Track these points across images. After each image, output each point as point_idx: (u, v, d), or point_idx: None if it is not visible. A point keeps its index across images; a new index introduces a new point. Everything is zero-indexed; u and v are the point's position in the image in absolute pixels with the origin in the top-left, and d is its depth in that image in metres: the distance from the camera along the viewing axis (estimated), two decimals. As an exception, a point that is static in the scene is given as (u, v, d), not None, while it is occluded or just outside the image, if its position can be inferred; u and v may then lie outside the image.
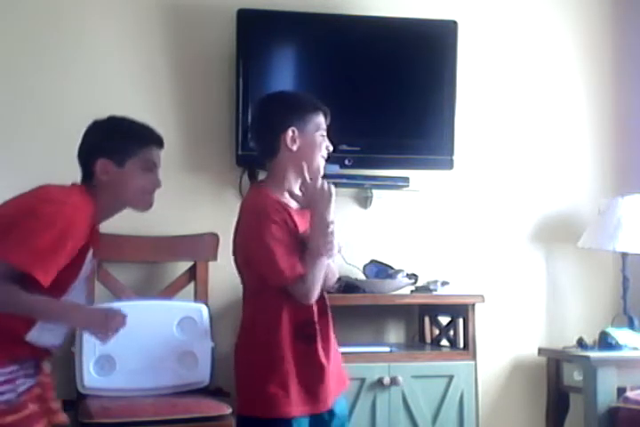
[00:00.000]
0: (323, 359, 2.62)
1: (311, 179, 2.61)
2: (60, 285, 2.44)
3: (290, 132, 2.62)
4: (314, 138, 2.67)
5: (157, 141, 2.66)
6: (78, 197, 2.49)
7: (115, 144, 2.58)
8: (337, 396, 2.66)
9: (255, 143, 2.76)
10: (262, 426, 2.58)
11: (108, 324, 2.43)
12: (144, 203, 2.64)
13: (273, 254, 2.56)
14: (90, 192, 2.54)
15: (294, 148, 2.63)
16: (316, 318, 2.65)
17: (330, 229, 2.64)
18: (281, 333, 2.59)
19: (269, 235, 2.56)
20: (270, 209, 2.57)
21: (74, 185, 2.59)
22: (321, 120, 2.70)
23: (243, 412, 2.66)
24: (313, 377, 2.60)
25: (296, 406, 2.56)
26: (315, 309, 2.65)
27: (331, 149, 2.73)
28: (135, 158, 2.58)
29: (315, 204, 2.64)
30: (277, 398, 2.55)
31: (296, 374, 2.57)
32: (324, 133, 2.71)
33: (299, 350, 2.60)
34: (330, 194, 2.65)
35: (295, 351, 2.59)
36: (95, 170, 2.56)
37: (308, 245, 2.60)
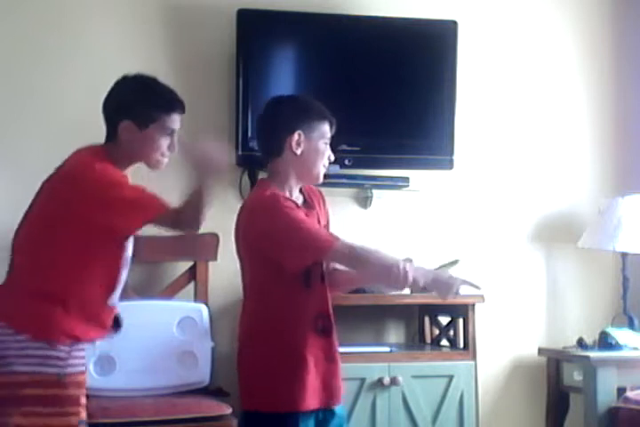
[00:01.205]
0: (337, 353, 2.65)
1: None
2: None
3: (296, 136, 2.65)
4: (317, 145, 2.71)
5: (180, 107, 2.77)
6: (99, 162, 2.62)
7: (139, 108, 2.69)
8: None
9: (259, 142, 2.80)
10: (274, 420, 2.56)
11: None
12: (158, 163, 2.76)
13: (306, 230, 2.58)
14: (108, 151, 2.68)
15: (298, 151, 2.66)
16: (331, 311, 2.68)
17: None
18: (297, 325, 2.60)
19: (292, 217, 2.58)
20: (282, 199, 2.62)
21: (95, 150, 2.69)
22: (326, 129, 2.75)
23: (251, 407, 2.62)
24: (328, 371, 2.62)
25: (311, 400, 2.56)
26: (330, 301, 2.68)
27: (332, 159, 2.77)
28: (157, 123, 2.69)
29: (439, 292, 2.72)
30: (293, 391, 2.54)
31: (312, 367, 2.57)
32: (328, 142, 2.75)
33: (315, 343, 2.61)
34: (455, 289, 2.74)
35: (311, 344, 2.60)
36: (120, 131, 2.67)
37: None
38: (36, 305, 2.57)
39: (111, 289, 2.68)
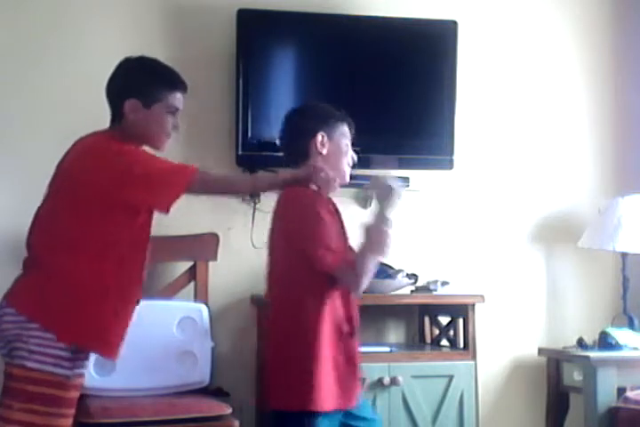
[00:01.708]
0: (358, 356, 2.71)
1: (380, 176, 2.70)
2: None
3: (319, 137, 2.80)
4: (340, 144, 2.85)
5: (183, 87, 2.81)
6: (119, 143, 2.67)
7: (144, 87, 2.73)
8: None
9: (285, 149, 2.92)
10: (299, 419, 2.62)
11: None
12: (161, 143, 2.80)
13: (325, 240, 2.67)
14: (117, 134, 2.71)
15: (324, 151, 2.81)
16: (356, 315, 2.74)
17: (388, 227, 2.72)
18: (323, 327, 2.64)
19: (322, 224, 2.68)
20: (319, 202, 2.74)
21: (104, 133, 2.73)
22: (346, 130, 2.89)
23: (280, 407, 2.70)
24: (349, 373, 2.68)
25: (333, 400, 2.61)
26: (356, 305, 2.74)
27: (355, 158, 2.91)
28: (162, 101, 2.73)
29: (381, 199, 2.79)
30: (315, 391, 2.59)
31: (335, 369, 2.63)
32: (349, 143, 2.89)
33: (339, 345, 2.66)
34: (398, 193, 2.78)
35: (335, 346, 2.65)
36: (124, 110, 2.71)
37: (363, 238, 2.69)
38: (71, 304, 2.58)
39: (142, 270, 2.72)
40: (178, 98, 2.78)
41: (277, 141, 3.01)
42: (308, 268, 2.66)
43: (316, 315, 2.64)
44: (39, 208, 2.73)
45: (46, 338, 2.55)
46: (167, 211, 2.66)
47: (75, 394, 2.63)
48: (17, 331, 2.56)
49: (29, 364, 2.53)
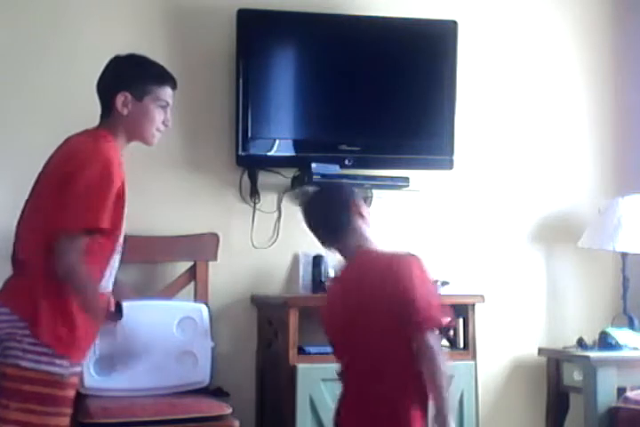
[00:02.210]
0: None
1: None
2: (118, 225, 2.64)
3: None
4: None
5: (172, 82, 2.81)
6: (106, 148, 2.64)
7: (135, 80, 2.74)
8: None
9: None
10: None
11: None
12: (153, 138, 2.79)
13: (435, 297, 2.73)
14: (108, 131, 2.71)
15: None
16: None
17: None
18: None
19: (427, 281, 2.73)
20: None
21: (94, 131, 2.72)
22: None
23: None
24: None
25: None
26: None
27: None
28: (152, 95, 2.73)
29: None
30: None
31: None
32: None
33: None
34: None
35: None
36: (116, 103, 2.71)
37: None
38: (56, 313, 2.57)
39: (101, 272, 2.67)
40: (168, 92, 2.79)
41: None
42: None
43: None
44: (24, 208, 2.72)
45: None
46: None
47: (71, 393, 2.61)
48: (10, 330, 2.55)
49: (24, 363, 2.52)
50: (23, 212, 2.73)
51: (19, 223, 2.73)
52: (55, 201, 2.59)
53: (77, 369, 2.63)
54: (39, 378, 2.53)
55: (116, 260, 2.73)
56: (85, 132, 2.75)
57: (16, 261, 2.71)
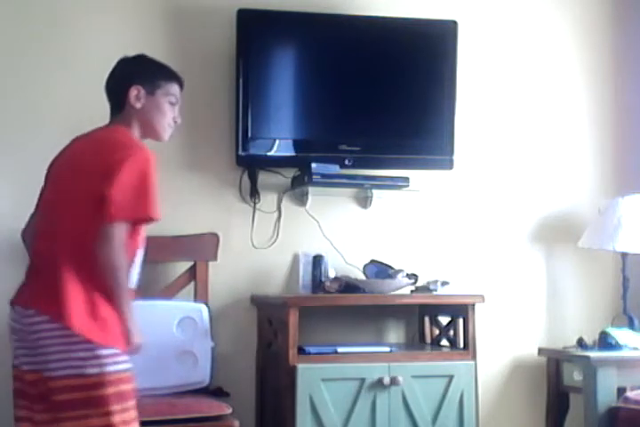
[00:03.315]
0: None
1: None
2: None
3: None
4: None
5: (180, 80, 2.88)
6: (139, 142, 2.73)
7: (146, 74, 2.81)
8: None
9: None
10: None
11: (135, 350, 2.64)
12: (165, 133, 2.85)
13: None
14: (126, 126, 2.76)
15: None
16: None
17: None
18: None
19: None
20: None
21: (114, 128, 2.75)
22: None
23: None
24: None
25: None
26: None
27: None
28: (163, 89, 2.81)
29: None
30: None
31: None
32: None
33: None
34: None
35: None
36: (129, 97, 2.76)
37: None
38: (96, 308, 2.58)
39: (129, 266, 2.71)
40: (177, 89, 2.85)
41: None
42: None
43: None
44: (42, 209, 2.73)
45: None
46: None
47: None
48: (56, 340, 2.55)
49: (90, 370, 2.53)
50: (36, 213, 2.75)
51: (35, 225, 2.74)
52: (98, 193, 2.58)
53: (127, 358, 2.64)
54: (116, 379, 2.55)
55: (140, 254, 2.76)
56: (106, 129, 2.78)
57: (39, 261, 2.69)
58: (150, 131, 2.81)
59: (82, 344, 2.54)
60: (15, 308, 2.69)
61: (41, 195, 2.83)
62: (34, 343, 2.60)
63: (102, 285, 2.59)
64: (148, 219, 2.66)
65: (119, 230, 2.58)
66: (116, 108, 2.80)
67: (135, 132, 2.77)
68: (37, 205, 2.84)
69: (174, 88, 2.85)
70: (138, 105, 2.76)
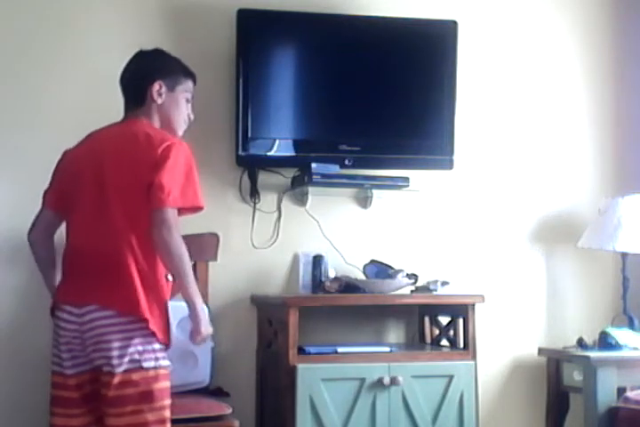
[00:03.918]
0: None
1: None
2: None
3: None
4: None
5: (195, 77, 2.95)
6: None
7: (169, 69, 2.88)
8: None
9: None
10: None
11: (206, 332, 2.74)
12: (181, 129, 2.93)
13: None
14: (149, 120, 2.81)
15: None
16: None
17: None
18: None
19: None
20: None
21: (140, 120, 2.80)
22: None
23: None
24: None
25: None
26: None
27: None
28: (183, 86, 2.88)
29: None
30: None
31: None
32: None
33: None
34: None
35: None
36: (151, 92, 2.81)
37: None
38: (156, 305, 2.67)
39: None
40: (191, 86, 2.91)
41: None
42: None
43: None
44: (83, 207, 2.75)
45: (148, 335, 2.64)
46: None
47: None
48: (116, 335, 2.61)
49: (146, 364, 2.61)
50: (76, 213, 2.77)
51: (73, 223, 2.78)
52: (146, 184, 2.64)
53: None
54: (165, 374, 2.64)
55: None
56: (133, 122, 2.80)
57: (86, 259, 2.71)
58: (167, 126, 2.85)
59: (141, 338, 2.59)
60: (65, 307, 2.69)
61: (61, 193, 2.85)
62: (92, 340, 2.61)
63: (159, 274, 2.66)
64: (196, 207, 2.73)
65: (173, 214, 2.63)
66: (134, 102, 2.82)
67: (156, 126, 2.81)
68: (47, 205, 2.86)
69: (190, 84, 2.90)
70: (159, 100, 2.80)
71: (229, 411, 3.36)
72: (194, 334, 2.72)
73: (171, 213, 2.62)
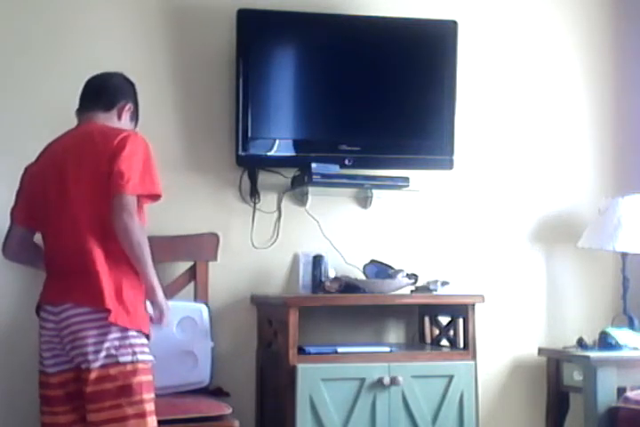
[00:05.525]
0: None
1: None
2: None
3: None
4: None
5: None
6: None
7: (135, 97, 3.08)
8: None
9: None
10: None
11: (165, 316, 2.81)
12: None
13: None
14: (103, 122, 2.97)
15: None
16: None
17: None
18: None
19: None
20: None
21: (100, 122, 2.96)
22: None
23: None
24: None
25: None
26: None
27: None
28: (133, 113, 3.07)
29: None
30: None
31: None
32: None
33: None
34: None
35: None
36: (123, 109, 3.00)
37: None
38: (120, 292, 2.71)
39: None
40: None
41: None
42: None
43: None
44: (51, 211, 2.81)
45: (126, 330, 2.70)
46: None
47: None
48: (92, 331, 2.65)
49: (122, 358, 2.66)
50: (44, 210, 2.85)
51: (44, 227, 2.85)
52: (105, 175, 2.73)
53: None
54: (145, 368, 2.70)
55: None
56: (94, 123, 2.94)
57: (62, 259, 2.76)
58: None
59: (117, 332, 2.64)
60: (45, 307, 2.74)
61: (29, 207, 2.93)
62: (68, 338, 2.65)
63: (126, 260, 2.71)
64: (155, 195, 2.80)
65: (132, 200, 2.70)
66: (99, 106, 2.96)
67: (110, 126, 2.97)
68: (17, 221, 2.96)
69: None
70: (122, 119, 2.97)
71: (229, 411, 3.37)
72: (161, 317, 2.80)
73: (130, 200, 2.71)
